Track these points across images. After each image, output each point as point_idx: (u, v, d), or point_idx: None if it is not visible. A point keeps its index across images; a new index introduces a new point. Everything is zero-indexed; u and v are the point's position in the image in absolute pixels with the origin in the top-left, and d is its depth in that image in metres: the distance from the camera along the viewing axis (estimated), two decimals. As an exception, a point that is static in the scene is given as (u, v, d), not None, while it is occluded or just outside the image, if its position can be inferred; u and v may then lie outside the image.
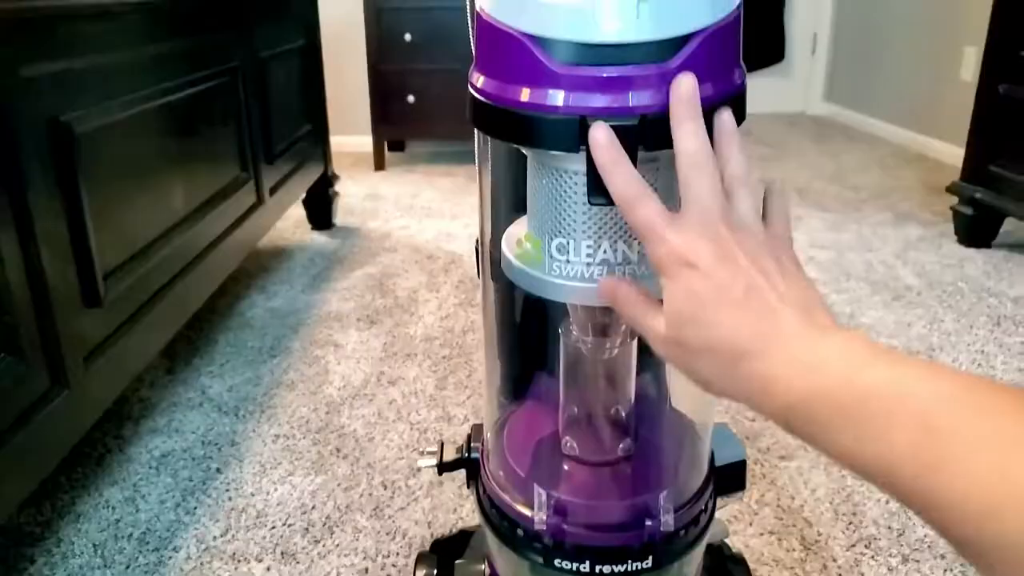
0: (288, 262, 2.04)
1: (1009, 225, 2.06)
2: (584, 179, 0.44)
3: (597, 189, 0.43)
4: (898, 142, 3.27)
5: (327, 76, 2.27)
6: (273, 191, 1.75)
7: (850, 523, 1.04)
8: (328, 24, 2.34)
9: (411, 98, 2.91)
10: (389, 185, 2.81)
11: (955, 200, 2.10)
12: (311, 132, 2.11)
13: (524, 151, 0.49)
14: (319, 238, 2.24)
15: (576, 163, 0.46)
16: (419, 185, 2.80)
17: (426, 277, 1.92)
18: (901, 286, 1.82)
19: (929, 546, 1.00)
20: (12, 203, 0.80)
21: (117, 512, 1.07)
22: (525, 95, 0.44)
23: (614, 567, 0.56)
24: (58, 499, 1.10)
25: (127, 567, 0.98)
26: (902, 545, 1.00)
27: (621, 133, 0.42)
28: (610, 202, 0.43)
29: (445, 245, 2.15)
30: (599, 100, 0.42)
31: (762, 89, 3.77)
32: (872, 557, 0.98)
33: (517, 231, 0.55)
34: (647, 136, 0.42)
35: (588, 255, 0.48)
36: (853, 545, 1.00)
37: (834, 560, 0.98)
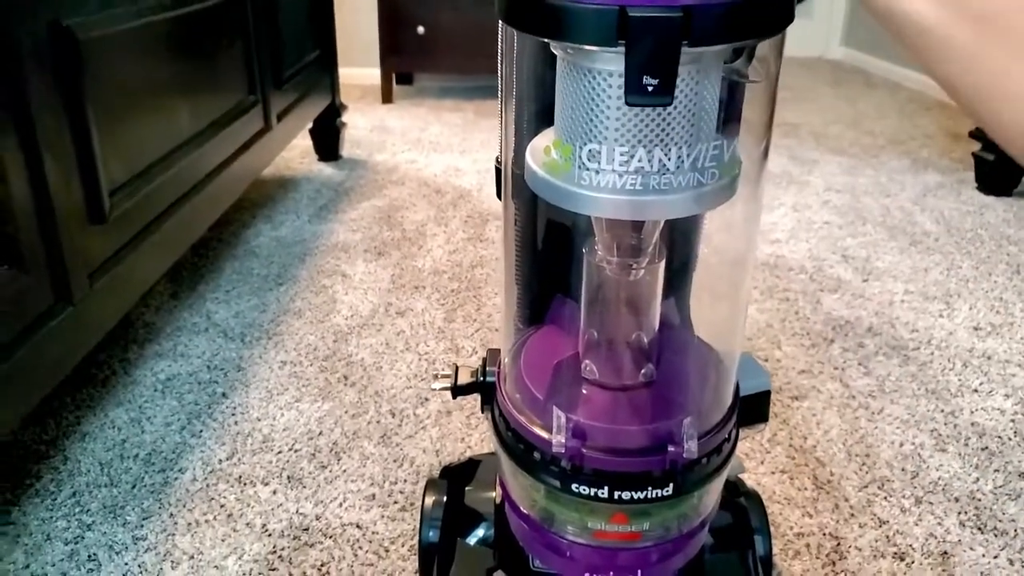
0: (294, 192, 2.00)
1: (1032, 173, 2.02)
2: (619, 79, 0.41)
3: (636, 87, 0.40)
4: (918, 88, 3.20)
5: (336, 5, 2.20)
6: (281, 117, 1.71)
7: (863, 464, 1.03)
8: (338, -52, 2.27)
9: (421, 29, 2.84)
10: (397, 118, 2.76)
11: (977, 146, 2.05)
12: (319, 59, 2.05)
13: (554, 49, 0.46)
14: (326, 169, 2.20)
15: (613, 61, 0.42)
16: (427, 119, 2.75)
17: (434, 211, 1.89)
18: (919, 232, 1.79)
19: (943, 489, 0.98)
20: (13, 110, 0.77)
21: (123, 433, 1.07)
22: (561, -17, 0.40)
23: (633, 493, 0.54)
24: (63, 418, 1.09)
25: (133, 486, 0.97)
26: (915, 487, 0.99)
27: (662, 26, 0.39)
28: (649, 103, 0.40)
29: (454, 180, 2.11)
30: (642, -11, 0.39)
31: (780, 31, 3.66)
32: (885, 498, 0.97)
33: (543, 142, 0.52)
34: (691, 30, 0.39)
35: (622, 163, 0.45)
36: (866, 486, 0.99)
37: (846, 500, 0.97)
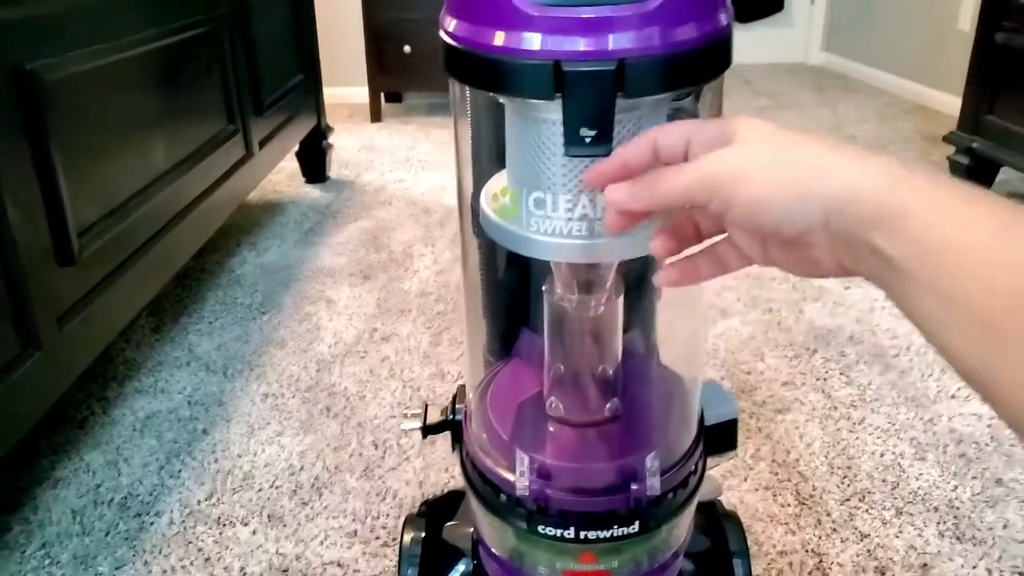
0: (280, 216, 2.00)
1: (1005, 174, 2.04)
2: (561, 128, 0.41)
3: (575, 139, 0.40)
4: (897, 92, 3.21)
5: (322, 25, 2.21)
6: (263, 144, 1.71)
7: (844, 477, 1.03)
8: (319, -29, 2.28)
9: (407, 48, 2.84)
10: (385, 137, 2.76)
11: (952, 150, 2.07)
12: (303, 82, 2.06)
13: (500, 99, 0.47)
14: (312, 191, 2.20)
15: (552, 111, 0.43)
16: (416, 137, 2.75)
17: (421, 231, 1.89)
18: (900, 237, 1.79)
19: (923, 499, 0.98)
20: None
21: (98, 477, 1.06)
22: (498, 39, 0.41)
23: (600, 532, 0.54)
24: (37, 464, 1.08)
25: (106, 534, 0.96)
26: (896, 498, 0.99)
27: (596, 80, 0.39)
28: (588, 153, 0.40)
29: (441, 199, 2.11)
30: (576, 44, 0.39)
31: (761, 39, 3.68)
32: (866, 511, 0.97)
33: (496, 185, 0.52)
34: (626, 81, 0.39)
35: (567, 209, 0.45)
36: (847, 499, 0.99)
37: (828, 515, 0.97)
